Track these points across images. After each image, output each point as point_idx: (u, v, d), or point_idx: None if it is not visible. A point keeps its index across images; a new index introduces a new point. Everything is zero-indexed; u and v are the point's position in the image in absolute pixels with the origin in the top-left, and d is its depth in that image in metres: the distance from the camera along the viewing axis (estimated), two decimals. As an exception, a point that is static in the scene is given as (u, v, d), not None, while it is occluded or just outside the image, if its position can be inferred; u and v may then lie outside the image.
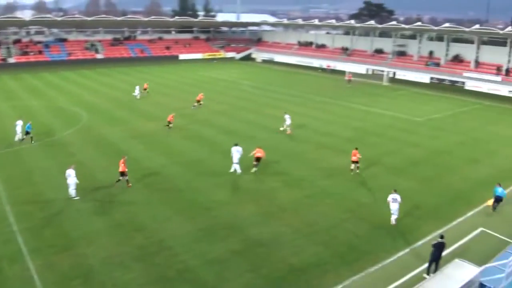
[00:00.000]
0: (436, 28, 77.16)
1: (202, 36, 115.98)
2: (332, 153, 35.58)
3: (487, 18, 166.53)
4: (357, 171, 31.18)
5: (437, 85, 73.85)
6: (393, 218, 23.80)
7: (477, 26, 75.58)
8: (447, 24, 79.57)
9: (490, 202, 26.50)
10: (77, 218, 23.69)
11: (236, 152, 30.08)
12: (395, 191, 24.24)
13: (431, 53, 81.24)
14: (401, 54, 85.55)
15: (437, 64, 78.11)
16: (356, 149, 31.57)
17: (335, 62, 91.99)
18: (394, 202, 23.72)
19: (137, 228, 22.73)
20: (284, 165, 32.46)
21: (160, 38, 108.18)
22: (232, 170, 30.24)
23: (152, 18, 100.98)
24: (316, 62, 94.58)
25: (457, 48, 78.72)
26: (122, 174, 27.58)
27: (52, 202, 25.45)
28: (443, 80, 74.46)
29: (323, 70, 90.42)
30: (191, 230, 22.68)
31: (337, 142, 38.48)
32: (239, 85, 69.08)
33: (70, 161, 29.62)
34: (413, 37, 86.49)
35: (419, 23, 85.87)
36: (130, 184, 27.72)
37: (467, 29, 74.03)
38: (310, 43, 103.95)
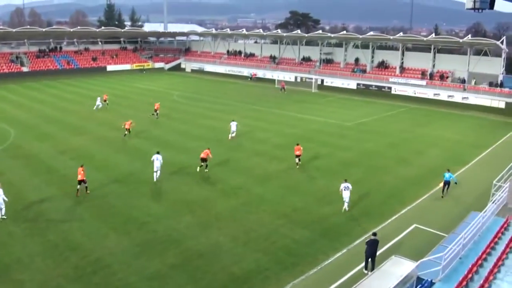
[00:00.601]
0: (361, 36, 79.94)
1: (130, 46, 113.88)
2: (266, 159, 36.11)
3: (410, 26, 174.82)
4: (297, 166, 33.89)
5: (364, 91, 76.17)
6: (346, 205, 26.35)
7: (401, 34, 79.31)
8: (371, 33, 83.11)
9: (440, 185, 29.49)
10: (9, 242, 22.48)
11: (156, 160, 30.65)
12: (346, 181, 26.71)
13: (357, 60, 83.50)
14: (328, 61, 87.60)
15: (363, 71, 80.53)
16: (298, 144, 34.80)
17: (264, 71, 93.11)
18: (346, 190, 26.19)
19: (72, 248, 21.89)
20: (220, 174, 32.50)
21: (86, 49, 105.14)
22: (155, 179, 30.62)
23: (78, 28, 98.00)
24: (246, 71, 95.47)
25: (382, 55, 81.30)
26: (81, 182, 27.92)
27: (-26, 226, 24.11)
28: (370, 86, 76.63)
29: (251, 79, 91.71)
30: (128, 246, 22.15)
31: (271, 149, 39.14)
32: (170, 95, 68.48)
33: (-7, 181, 28.21)
34: (339, 45, 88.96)
35: (344, 32, 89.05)
36: (89, 191, 28.28)
37: (391, 37, 77.34)
38: (239, 52, 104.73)
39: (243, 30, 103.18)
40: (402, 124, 51.76)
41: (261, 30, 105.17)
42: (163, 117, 51.53)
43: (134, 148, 38.77)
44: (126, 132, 42.74)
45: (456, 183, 29.80)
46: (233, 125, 42.55)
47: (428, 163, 36.25)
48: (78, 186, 28.14)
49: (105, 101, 57.99)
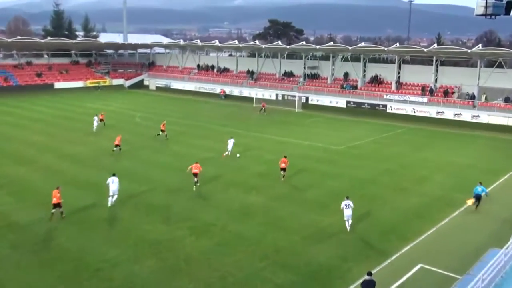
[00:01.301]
0: (351, 47, 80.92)
1: (83, 60, 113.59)
2: (243, 191, 36.02)
3: (408, 36, 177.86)
4: (283, 179, 38.03)
5: (355, 110, 76.87)
6: (348, 224, 28.31)
7: (397, 44, 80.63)
8: (363, 44, 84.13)
9: (470, 201, 31.94)
10: None
11: (112, 183, 31.80)
12: (348, 198, 28.75)
13: (346, 75, 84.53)
14: (314, 77, 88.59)
15: (354, 87, 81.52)
16: (285, 157, 38.88)
17: (241, 88, 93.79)
18: (347, 208, 28.19)
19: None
20: (190, 209, 32.15)
21: (29, 63, 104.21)
22: (110, 203, 31.69)
23: (18, 38, 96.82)
24: (219, 88, 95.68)
25: (375, 69, 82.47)
26: (56, 205, 29.32)
27: None
28: (362, 104, 77.36)
29: (225, 97, 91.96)
30: (77, 297, 21.51)
31: (248, 178, 39.14)
32: (131, 117, 68.24)
33: None
34: (326, 58, 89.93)
35: (331, 43, 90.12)
36: (64, 215, 29.72)
37: (386, 48, 78.61)
38: (212, 67, 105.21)
39: (215, 42, 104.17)
40: (400, 147, 52.26)
41: (236, 42, 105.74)
42: (128, 144, 51.10)
43: (85, 180, 38.16)
44: (114, 148, 46.42)
45: (487, 195, 32.46)
46: (230, 143, 45.89)
47: (432, 192, 36.44)
48: (53, 210, 29.32)
49: (101, 120, 59.54)
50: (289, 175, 39.37)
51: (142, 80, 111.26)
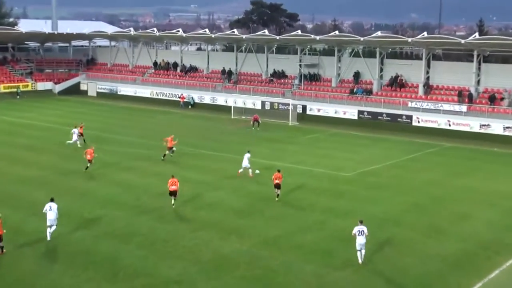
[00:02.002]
0: (363, 38, 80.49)
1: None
2: (220, 234, 35.58)
3: (439, 22, 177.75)
4: (277, 198, 41.97)
5: (369, 123, 76.62)
6: (360, 256, 30.54)
7: (424, 34, 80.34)
8: (379, 33, 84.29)
9: None
10: None
11: (50, 211, 33.75)
12: (361, 222, 31.01)
13: (357, 75, 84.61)
14: (313, 78, 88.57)
15: (368, 92, 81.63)
16: (279, 171, 42.45)
17: (214, 94, 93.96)
18: (360, 235, 30.45)
19: None
20: (146, 260, 31.86)
21: None
22: (49, 237, 33.60)
23: None
24: (185, 94, 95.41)
25: (396, 67, 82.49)
26: None
27: None
28: (379, 114, 77.39)
29: (192, 106, 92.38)
30: None
31: (226, 217, 38.86)
32: (61, 134, 67.41)
33: None
34: (329, 52, 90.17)
35: (336, 33, 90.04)
36: (5, 250, 31.57)
37: (409, 39, 78.57)
38: (174, 65, 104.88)
39: (179, 31, 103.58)
40: (431, 173, 52.34)
41: (207, 31, 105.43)
42: (48, 169, 51.00)
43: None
44: (88, 165, 50.21)
45: None
46: (246, 158, 49.08)
47: (476, 234, 36.15)
48: None
49: (81, 134, 61.88)
50: (280, 212, 39.26)
51: (78, 84, 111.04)
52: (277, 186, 41.94)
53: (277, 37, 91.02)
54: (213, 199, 43.04)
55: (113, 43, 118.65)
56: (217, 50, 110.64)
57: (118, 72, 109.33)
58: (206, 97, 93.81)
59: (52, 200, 34.55)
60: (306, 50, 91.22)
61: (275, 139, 67.14)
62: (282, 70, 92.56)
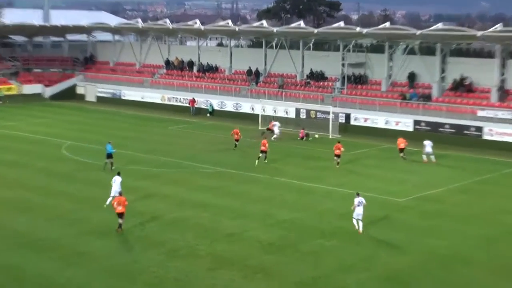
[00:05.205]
0: (419, 32, 79.43)
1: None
2: (243, 273, 34.84)
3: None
4: (337, 166, 55.81)
5: (428, 135, 73.52)
6: (360, 225, 39.90)
7: (498, 26, 78.87)
8: (440, 25, 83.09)
9: None
10: None
11: (114, 183, 43.27)
12: (359, 194, 39.96)
13: (412, 77, 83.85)
14: (358, 80, 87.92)
15: (426, 97, 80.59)
16: (339, 142, 54.22)
17: (237, 99, 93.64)
18: (359, 205, 39.17)
19: None
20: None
21: None
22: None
23: None
24: (203, 99, 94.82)
25: (461, 67, 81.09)
26: None
27: None
28: (440, 125, 76.77)
29: (210, 113, 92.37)
30: None
31: (250, 250, 38.33)
32: (53, 147, 68.26)
33: None
34: (378, 49, 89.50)
35: (387, 25, 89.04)
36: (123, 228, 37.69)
37: (479, 33, 76.64)
38: (189, 64, 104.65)
39: (196, 23, 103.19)
40: (507, 199, 50.71)
41: (229, 22, 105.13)
42: (33, 190, 50.28)
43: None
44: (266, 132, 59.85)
45: None
46: (276, 127, 60.82)
47: None
48: None
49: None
50: (318, 246, 38.04)
51: (73, 87, 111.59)
52: (337, 156, 57.55)
53: (315, 31, 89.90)
54: (234, 229, 42.40)
55: (116, 38, 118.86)
56: (241, 46, 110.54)
57: (122, 73, 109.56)
58: (228, 103, 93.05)
59: (118, 174, 45.17)
60: (350, 46, 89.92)
61: (311, 156, 66.54)
62: (321, 70, 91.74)
